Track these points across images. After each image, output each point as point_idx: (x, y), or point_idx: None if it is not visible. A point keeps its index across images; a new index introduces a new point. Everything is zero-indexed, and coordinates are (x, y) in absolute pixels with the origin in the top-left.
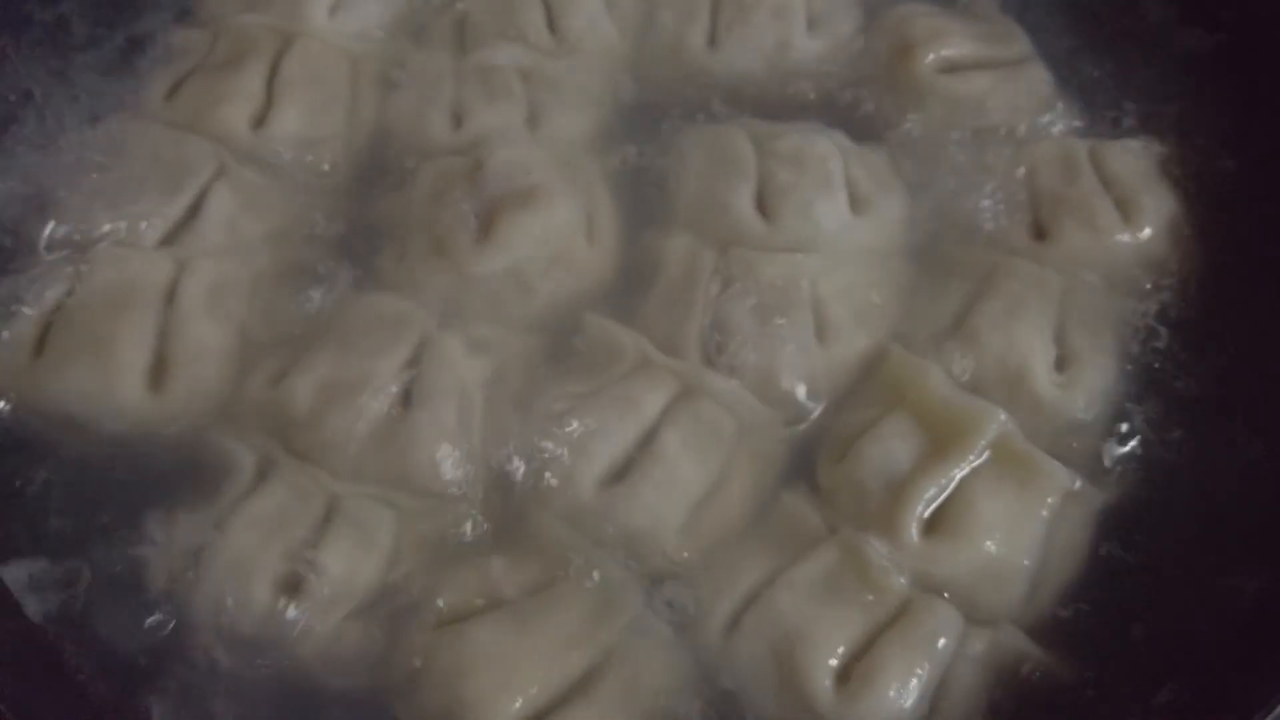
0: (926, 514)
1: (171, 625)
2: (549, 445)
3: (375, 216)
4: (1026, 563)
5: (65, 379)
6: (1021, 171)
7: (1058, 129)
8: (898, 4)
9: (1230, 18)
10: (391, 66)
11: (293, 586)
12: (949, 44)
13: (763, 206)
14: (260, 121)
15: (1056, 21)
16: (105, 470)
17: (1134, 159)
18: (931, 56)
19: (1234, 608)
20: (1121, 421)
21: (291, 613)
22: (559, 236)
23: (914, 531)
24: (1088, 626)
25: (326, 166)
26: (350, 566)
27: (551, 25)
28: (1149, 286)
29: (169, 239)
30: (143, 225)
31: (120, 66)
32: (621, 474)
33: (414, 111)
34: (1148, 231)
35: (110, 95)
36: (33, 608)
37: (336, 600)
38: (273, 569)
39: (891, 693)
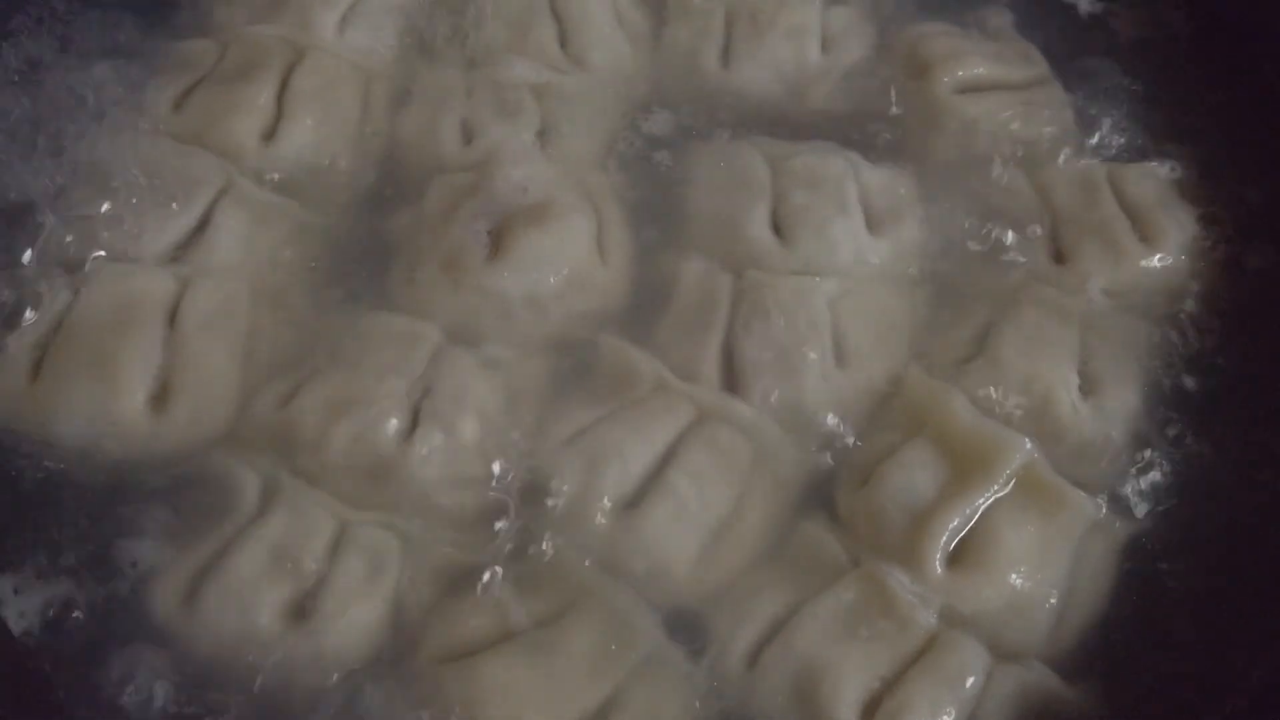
0: (950, 546)
1: (174, 653)
2: (562, 470)
3: (385, 233)
4: (1053, 596)
5: (64, 400)
6: (1040, 194)
7: (1076, 151)
8: (914, 24)
9: (1250, 42)
10: (402, 81)
11: (299, 615)
12: (966, 64)
13: (778, 227)
14: (269, 135)
15: (1073, 42)
16: (105, 494)
17: (1153, 182)
18: (949, 77)
19: (1269, 641)
20: (1147, 448)
21: (297, 642)
22: (571, 254)
23: (938, 564)
24: (1115, 660)
25: (335, 182)
26: (358, 594)
27: (563, 42)
28: (1170, 310)
29: (173, 255)
30: (146, 241)
31: (125, 76)
32: (636, 500)
33: (425, 127)
34: (1168, 255)
35: (114, 105)
36: (22, 634)
37: (344, 629)
38: (279, 597)
39: None
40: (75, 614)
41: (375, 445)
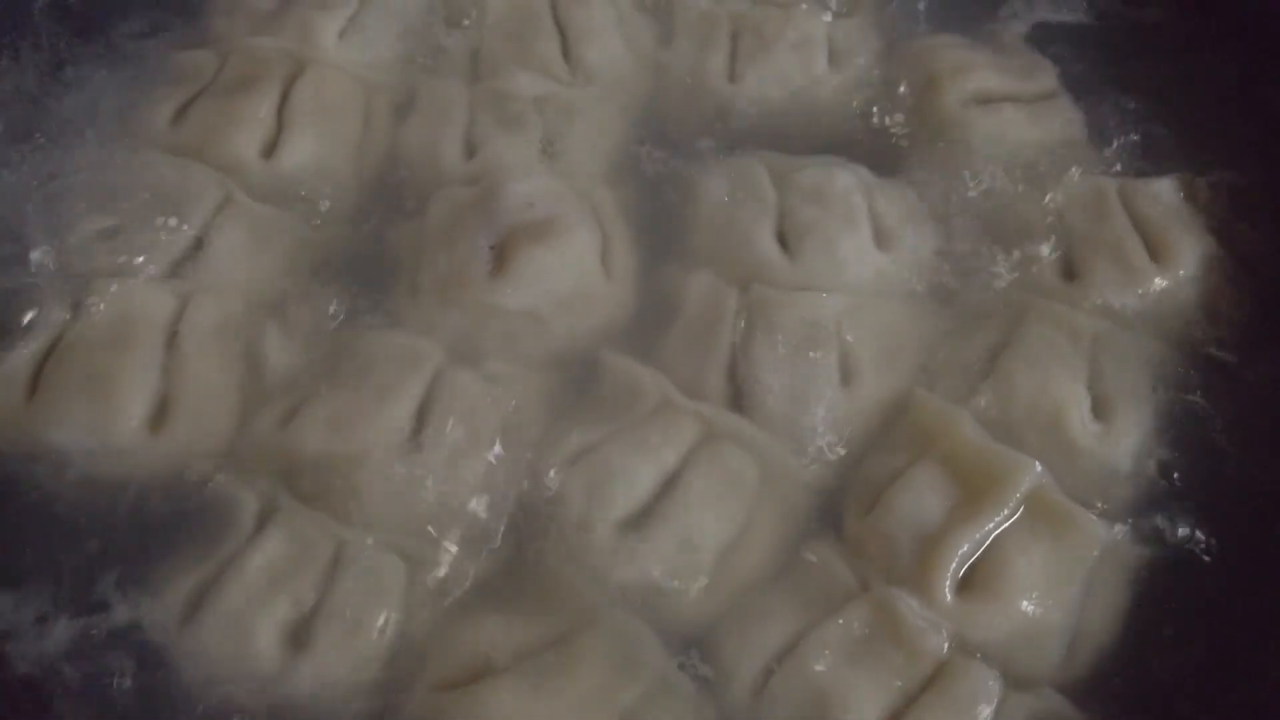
0: (960, 571)
1: (170, 678)
2: (566, 490)
3: (386, 249)
4: (1064, 623)
5: (61, 419)
6: (1050, 210)
7: (1086, 166)
8: (922, 36)
9: (1264, 55)
10: (404, 94)
11: (298, 639)
12: (976, 77)
13: (784, 242)
14: (269, 149)
15: (1084, 55)
16: (102, 515)
17: (1165, 199)
18: (957, 89)
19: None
20: (1160, 470)
21: (296, 666)
22: (576, 270)
23: (948, 590)
24: (1129, 688)
25: (336, 197)
26: (358, 618)
27: (567, 54)
28: (1183, 328)
29: (172, 272)
30: (144, 257)
31: (122, 88)
32: (641, 521)
33: (426, 140)
34: (1180, 273)
35: (111, 118)
36: (20, 657)
37: (344, 654)
38: (277, 620)
39: None
40: (69, 637)
41: (376, 467)
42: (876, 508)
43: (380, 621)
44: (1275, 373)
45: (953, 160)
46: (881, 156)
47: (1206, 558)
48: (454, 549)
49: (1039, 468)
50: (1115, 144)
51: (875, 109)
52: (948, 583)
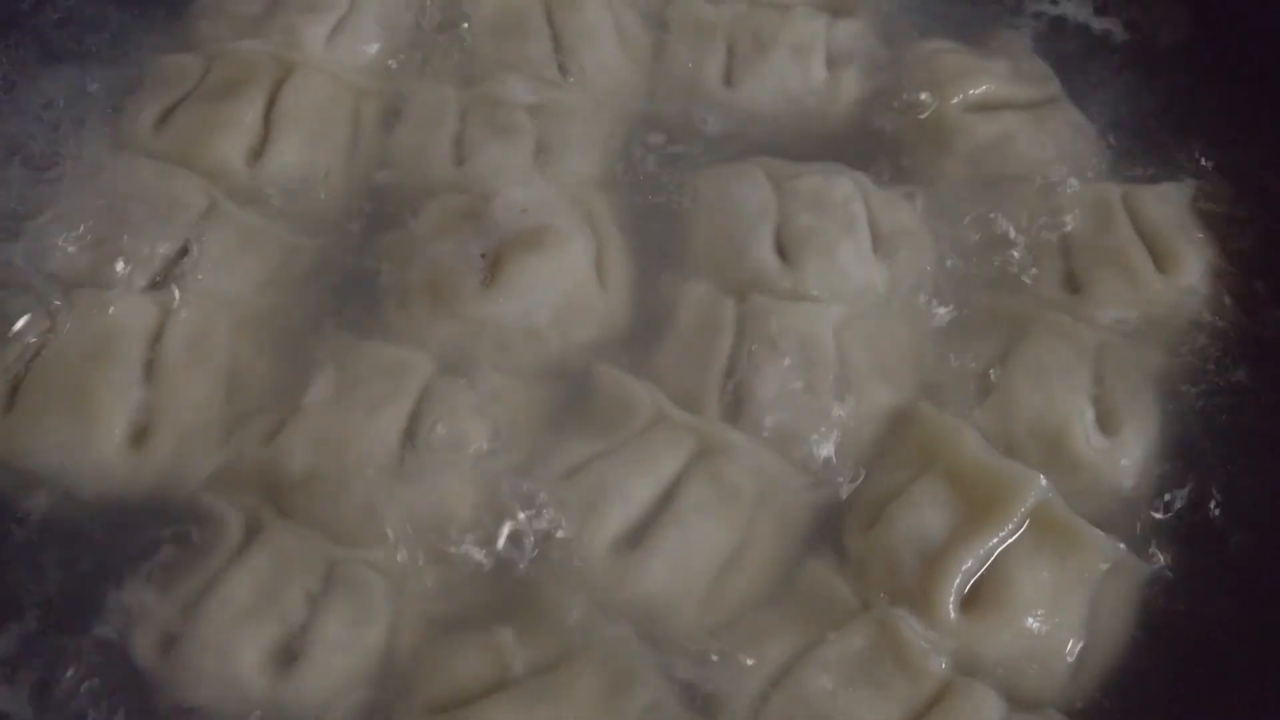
0: (964, 589)
1: (153, 701)
2: (559, 507)
3: (376, 258)
4: (1070, 641)
5: (39, 434)
6: (1053, 217)
7: (1090, 172)
8: (923, 41)
9: (1270, 60)
10: (393, 99)
11: (285, 661)
12: (976, 82)
13: (783, 250)
14: (256, 155)
15: (1087, 61)
16: (82, 534)
17: (1170, 205)
18: (959, 95)
19: None
20: (1167, 484)
21: (282, 688)
22: (570, 280)
23: (951, 608)
24: (1137, 709)
25: (324, 204)
26: (347, 638)
27: (560, 57)
28: (1189, 339)
29: (154, 282)
30: (126, 267)
31: (104, 93)
32: (636, 539)
33: (416, 146)
34: (1186, 282)
35: (95, 124)
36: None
37: (332, 676)
38: (263, 642)
39: None
40: (49, 658)
41: (364, 483)
42: (878, 524)
43: (369, 641)
44: None
45: (953, 166)
46: (882, 163)
47: (1215, 573)
48: (445, 567)
49: (1044, 482)
50: (1119, 149)
51: (875, 114)
52: (951, 600)
